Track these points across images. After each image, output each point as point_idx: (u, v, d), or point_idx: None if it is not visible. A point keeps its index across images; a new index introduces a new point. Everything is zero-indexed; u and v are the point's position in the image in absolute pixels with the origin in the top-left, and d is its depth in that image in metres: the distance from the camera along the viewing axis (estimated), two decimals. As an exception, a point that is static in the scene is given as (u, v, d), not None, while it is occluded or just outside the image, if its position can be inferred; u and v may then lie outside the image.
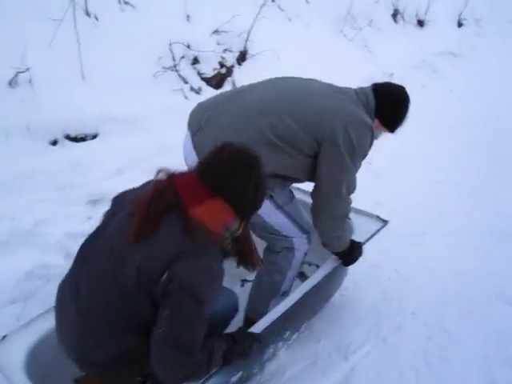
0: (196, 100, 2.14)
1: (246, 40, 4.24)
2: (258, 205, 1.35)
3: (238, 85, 3.93)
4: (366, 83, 2.07)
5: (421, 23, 6.79)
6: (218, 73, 4.01)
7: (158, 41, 3.67)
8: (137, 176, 2.25)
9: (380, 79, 5.83)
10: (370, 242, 2.10)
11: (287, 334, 1.98)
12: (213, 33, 4.13)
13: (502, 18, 8.00)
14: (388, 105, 1.88)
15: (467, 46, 6.79)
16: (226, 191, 1.25)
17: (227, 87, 4.00)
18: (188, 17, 4.08)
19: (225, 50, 4.14)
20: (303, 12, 5.38)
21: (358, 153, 1.78)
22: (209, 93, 3.71)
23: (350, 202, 1.90)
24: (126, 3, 3.74)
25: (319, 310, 2.27)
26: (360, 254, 2.04)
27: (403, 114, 1.91)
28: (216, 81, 3.99)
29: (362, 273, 2.49)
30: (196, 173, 1.27)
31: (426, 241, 2.90)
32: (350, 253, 1.99)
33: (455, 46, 6.66)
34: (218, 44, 4.15)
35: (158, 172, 1.29)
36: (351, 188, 1.84)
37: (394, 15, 6.55)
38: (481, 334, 2.20)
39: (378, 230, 2.15)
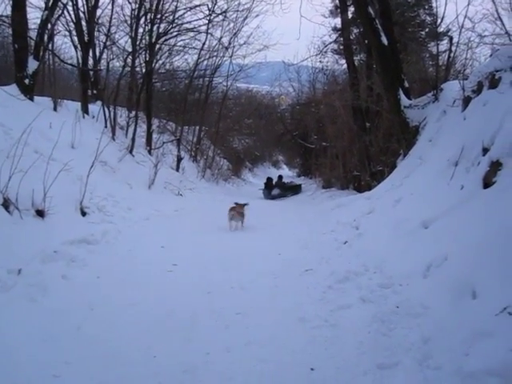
0: None
1: None
2: None
3: None
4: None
5: (41, 213, 5.83)
6: None
7: None
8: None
9: (5, 276, 4.28)
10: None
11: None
12: None
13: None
14: None
15: (99, 232, 6.25)
16: None
17: None
18: None
19: None
20: None
21: None
22: None
23: None
24: None
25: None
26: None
27: None
28: None
29: None
30: None
31: None
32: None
33: (87, 233, 5.98)
34: None
35: None
36: None
37: (6, 205, 5.37)
38: None
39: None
